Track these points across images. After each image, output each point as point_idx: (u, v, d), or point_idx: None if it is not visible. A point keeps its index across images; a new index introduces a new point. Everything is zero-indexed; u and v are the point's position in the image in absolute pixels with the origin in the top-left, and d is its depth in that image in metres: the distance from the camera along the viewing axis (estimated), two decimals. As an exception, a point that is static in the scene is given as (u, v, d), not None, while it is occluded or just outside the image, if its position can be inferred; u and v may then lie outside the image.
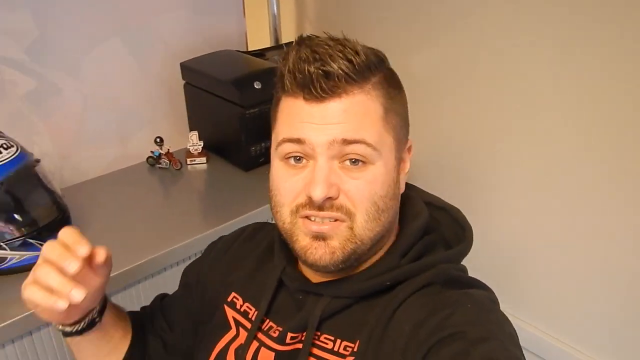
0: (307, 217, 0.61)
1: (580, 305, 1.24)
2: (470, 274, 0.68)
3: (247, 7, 1.69)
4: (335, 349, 0.63)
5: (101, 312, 0.73)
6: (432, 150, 1.43)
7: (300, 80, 0.58)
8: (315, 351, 0.64)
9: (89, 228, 1.20)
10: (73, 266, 0.59)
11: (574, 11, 1.07)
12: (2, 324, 0.94)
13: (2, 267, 1.03)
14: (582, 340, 1.26)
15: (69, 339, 0.73)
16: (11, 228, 1.02)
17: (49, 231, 1.06)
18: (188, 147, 1.49)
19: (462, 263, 0.69)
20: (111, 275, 1.04)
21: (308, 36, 0.61)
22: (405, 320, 0.60)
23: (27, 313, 0.96)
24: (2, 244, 1.01)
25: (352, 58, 0.58)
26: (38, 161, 1.10)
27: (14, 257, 1.03)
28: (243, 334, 0.71)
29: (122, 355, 0.78)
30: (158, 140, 1.45)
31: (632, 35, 1.01)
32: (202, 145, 1.48)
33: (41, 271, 0.60)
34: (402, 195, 0.69)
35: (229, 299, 0.75)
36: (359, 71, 0.59)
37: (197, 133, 1.48)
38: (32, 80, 1.32)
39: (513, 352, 0.55)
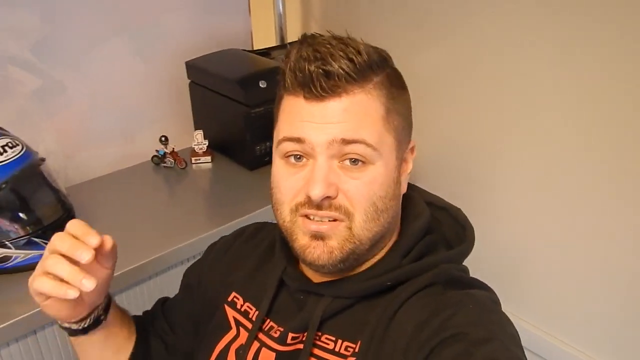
0: (307, 216, 0.61)
1: (581, 305, 1.24)
2: (473, 274, 0.68)
3: (252, 5, 1.68)
4: (337, 349, 0.63)
5: (106, 310, 0.73)
6: (435, 150, 1.43)
7: (300, 79, 0.59)
8: (316, 351, 0.64)
9: (94, 227, 1.19)
10: (85, 255, 0.59)
11: (575, 12, 1.07)
12: (7, 323, 0.93)
13: (7, 265, 1.03)
14: (583, 341, 1.26)
15: (74, 339, 0.73)
16: (16, 227, 1.02)
17: (54, 230, 1.04)
18: (193, 146, 1.48)
19: (464, 263, 0.69)
20: (116, 274, 1.04)
21: (312, 35, 0.61)
22: (406, 320, 0.60)
23: (31, 312, 0.96)
24: (7, 242, 1.01)
25: (354, 57, 0.58)
26: (43, 160, 1.10)
27: (19, 255, 1.03)
28: (243, 334, 0.71)
29: (127, 356, 0.78)
30: (163, 139, 1.45)
31: (633, 36, 1.00)
32: (207, 144, 1.48)
33: (51, 261, 0.60)
34: (404, 196, 0.69)
35: (229, 299, 0.75)
36: (360, 71, 0.58)
37: (202, 132, 1.48)
38: (37, 78, 1.32)
39: (515, 353, 0.55)
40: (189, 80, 1.52)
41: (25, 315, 0.95)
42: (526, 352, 0.58)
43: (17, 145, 1.04)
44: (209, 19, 1.60)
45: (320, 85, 0.57)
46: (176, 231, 1.19)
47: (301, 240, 0.62)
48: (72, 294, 0.58)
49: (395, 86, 0.63)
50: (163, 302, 0.88)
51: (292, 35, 1.68)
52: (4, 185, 0.99)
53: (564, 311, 1.28)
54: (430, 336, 0.56)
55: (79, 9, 1.34)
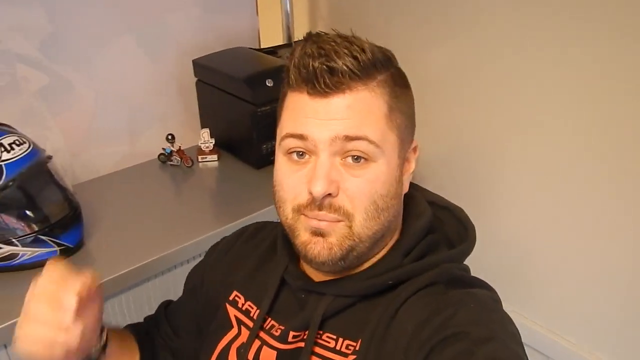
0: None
1: (583, 303, 1.25)
2: (478, 273, 0.68)
3: (259, 4, 1.68)
4: (338, 347, 0.63)
5: (104, 348, 0.70)
6: (439, 150, 1.44)
7: (304, 75, 0.59)
8: (318, 350, 0.64)
9: (100, 225, 1.21)
10: (70, 301, 0.58)
11: (579, 12, 1.07)
12: (13, 321, 0.93)
13: (14, 263, 1.03)
14: (585, 338, 1.27)
15: None
16: (23, 224, 1.03)
17: (61, 228, 1.07)
18: (199, 145, 1.48)
19: (468, 262, 0.68)
20: (122, 273, 1.05)
21: (317, 33, 0.61)
22: (407, 319, 0.60)
23: (38, 309, 0.96)
24: (14, 240, 1.02)
25: (358, 55, 0.58)
26: (50, 158, 1.10)
27: (26, 253, 1.03)
28: (245, 333, 0.71)
29: None
30: (169, 137, 1.45)
31: (633, 37, 1.01)
32: (213, 143, 1.48)
33: (36, 308, 0.58)
34: (406, 195, 0.68)
35: (230, 298, 0.75)
36: (364, 68, 0.59)
37: (208, 130, 1.48)
38: (44, 76, 1.32)
39: (515, 351, 0.55)
40: (196, 79, 1.52)
41: (32, 312, 0.95)
42: (529, 350, 0.58)
43: (24, 143, 1.05)
44: (216, 17, 1.60)
45: (324, 81, 0.57)
46: (182, 229, 1.19)
47: (302, 236, 0.62)
48: (63, 338, 0.57)
49: (398, 85, 0.63)
50: (166, 306, 0.88)
51: (300, 34, 1.66)
52: (11, 183, 0.99)
53: (567, 309, 1.28)
54: (431, 335, 0.56)
55: (85, 7, 1.34)
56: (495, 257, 1.35)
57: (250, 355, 0.68)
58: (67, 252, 1.09)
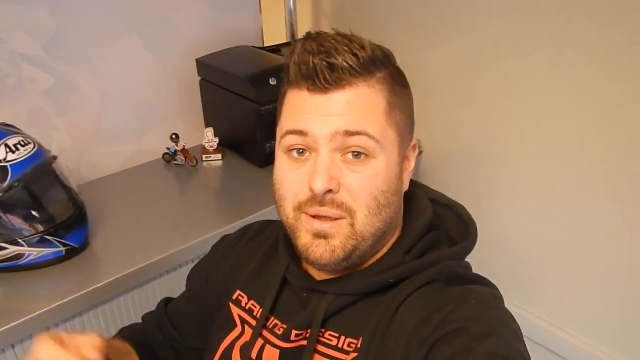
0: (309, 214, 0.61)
1: (587, 298, 1.26)
2: (481, 269, 0.68)
3: (262, 2, 1.68)
4: (339, 345, 0.63)
5: None
6: (442, 149, 1.45)
7: (304, 72, 0.59)
8: (320, 348, 0.64)
9: (105, 224, 1.21)
10: None
11: (584, 13, 1.08)
12: (21, 320, 0.94)
13: (20, 263, 1.04)
14: (589, 332, 1.28)
15: None
16: (29, 225, 1.03)
17: (66, 228, 1.07)
18: (203, 144, 1.49)
19: (471, 259, 0.68)
20: (126, 272, 1.06)
21: (317, 32, 0.61)
22: (408, 317, 0.60)
23: (45, 309, 0.97)
24: (20, 240, 1.02)
25: (358, 52, 0.58)
26: (55, 158, 1.10)
27: (32, 253, 1.04)
28: (248, 332, 0.71)
29: None
30: (174, 136, 1.46)
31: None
32: (217, 142, 1.48)
33: None
34: (407, 193, 0.68)
35: (233, 297, 0.75)
36: (364, 65, 0.59)
37: (212, 129, 1.48)
38: (49, 76, 1.33)
39: (516, 347, 0.55)
40: (200, 78, 1.52)
41: (39, 312, 0.96)
42: (532, 344, 0.58)
43: (29, 143, 1.05)
44: (220, 16, 1.60)
45: (324, 77, 0.58)
46: (187, 228, 1.19)
47: (304, 238, 0.62)
48: None
49: (398, 83, 0.63)
50: (166, 304, 0.88)
51: (303, 32, 1.65)
52: (16, 184, 1.00)
53: (569, 303, 1.30)
54: (432, 331, 0.56)
55: (90, 7, 1.34)
56: (497, 254, 1.37)
57: (253, 354, 0.68)
58: (72, 252, 1.09)
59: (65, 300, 0.99)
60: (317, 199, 0.59)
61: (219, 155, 1.49)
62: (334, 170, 0.59)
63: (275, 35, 1.71)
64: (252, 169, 1.44)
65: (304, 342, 0.65)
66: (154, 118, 1.54)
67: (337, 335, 0.64)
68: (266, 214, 1.25)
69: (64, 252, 1.07)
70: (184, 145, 1.48)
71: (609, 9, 1.04)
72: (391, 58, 0.64)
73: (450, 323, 0.56)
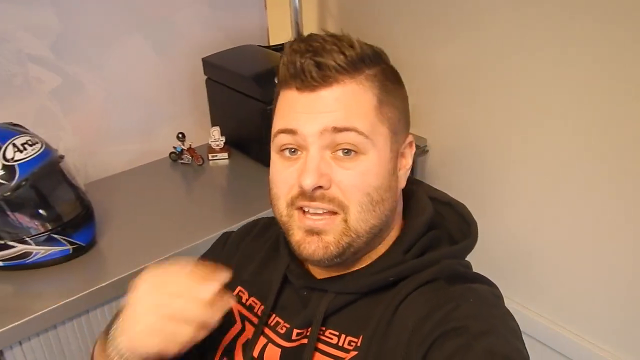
0: (302, 210, 0.62)
1: (589, 296, 1.26)
2: (483, 267, 0.68)
3: (268, 1, 1.68)
4: (340, 343, 0.63)
5: None
6: (450, 147, 1.44)
7: (292, 72, 0.60)
8: (320, 346, 0.64)
9: (112, 223, 1.22)
10: (210, 289, 0.57)
11: (586, 11, 1.07)
12: (28, 317, 0.95)
13: (28, 261, 1.05)
14: (591, 331, 1.28)
15: None
16: (36, 223, 1.04)
17: (73, 227, 1.08)
18: (210, 143, 1.49)
19: (474, 257, 0.68)
20: (133, 271, 1.06)
21: (309, 34, 0.62)
22: (408, 315, 0.60)
23: (52, 307, 0.97)
24: (27, 238, 1.03)
25: (346, 50, 0.59)
26: (62, 157, 1.11)
27: (39, 251, 1.05)
28: (249, 328, 0.71)
29: None
30: (180, 136, 1.46)
31: None
32: (223, 141, 1.48)
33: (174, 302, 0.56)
34: (407, 191, 0.69)
35: (234, 293, 0.75)
36: (352, 62, 0.59)
37: (219, 129, 1.48)
38: (56, 76, 1.33)
39: (515, 346, 0.55)
40: (206, 77, 1.52)
41: (46, 310, 0.97)
42: (534, 342, 0.58)
43: (37, 143, 1.06)
44: (226, 15, 1.60)
45: (311, 75, 0.58)
46: (193, 227, 1.20)
47: (297, 235, 0.63)
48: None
49: (389, 80, 0.63)
50: None
51: (309, 30, 1.67)
52: (24, 183, 1.01)
53: (571, 302, 1.30)
54: (432, 330, 0.56)
55: (96, 7, 1.35)
56: (500, 250, 1.37)
57: (255, 353, 0.68)
58: (79, 251, 1.10)
59: (72, 298, 0.99)
60: (307, 195, 0.60)
61: (225, 154, 1.49)
62: (323, 167, 0.60)
63: (281, 34, 1.71)
64: (258, 168, 1.44)
65: (305, 341, 0.65)
66: (160, 117, 1.55)
67: (337, 333, 0.64)
68: (272, 213, 1.24)
69: (71, 251, 1.08)
70: (190, 145, 1.48)
71: (611, 7, 1.04)
72: (383, 56, 0.64)
73: (451, 321, 0.56)
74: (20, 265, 1.05)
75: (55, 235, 1.05)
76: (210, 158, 1.49)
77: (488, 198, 1.39)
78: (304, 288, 0.68)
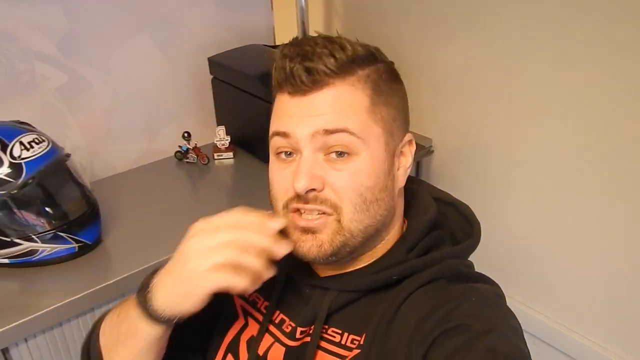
0: (298, 211, 0.62)
1: (594, 296, 1.27)
2: (488, 266, 0.68)
3: (274, 0, 1.68)
4: (343, 342, 0.63)
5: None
6: (455, 146, 1.44)
7: (283, 77, 0.61)
8: (323, 344, 0.64)
9: (118, 222, 1.22)
10: (276, 225, 0.58)
11: (593, 13, 1.07)
12: (34, 315, 0.96)
13: (34, 259, 1.05)
14: (595, 331, 1.28)
15: (160, 331, 0.63)
16: (42, 221, 1.05)
17: (79, 225, 1.09)
18: (215, 142, 1.49)
19: (478, 256, 0.68)
20: (137, 271, 1.06)
21: (302, 37, 0.63)
22: (410, 314, 0.60)
23: (58, 304, 0.98)
24: (33, 236, 1.04)
25: (336, 53, 0.60)
26: (69, 156, 1.12)
27: (45, 249, 1.05)
28: (252, 324, 0.71)
29: None
30: (186, 135, 1.46)
31: None
32: (229, 140, 1.49)
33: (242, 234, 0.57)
34: (411, 191, 0.70)
35: None
36: (342, 65, 0.60)
37: (224, 128, 1.48)
38: (63, 74, 1.34)
39: (516, 344, 0.55)
40: (212, 76, 1.53)
41: (52, 307, 0.97)
42: (538, 342, 0.58)
43: (44, 141, 1.06)
44: (232, 14, 1.60)
45: (301, 79, 0.59)
46: (198, 226, 1.19)
47: (293, 235, 0.63)
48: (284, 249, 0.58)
49: (384, 80, 0.64)
50: None
51: (315, 29, 1.67)
52: (30, 181, 1.01)
53: (575, 302, 1.30)
54: (433, 328, 0.57)
55: (103, 6, 1.35)
56: (504, 249, 1.37)
57: (261, 351, 0.68)
58: (85, 249, 1.10)
59: (77, 296, 1.00)
60: (301, 197, 0.61)
61: (230, 154, 1.50)
62: (316, 169, 0.60)
63: (287, 33, 1.71)
64: (263, 168, 1.44)
65: (308, 339, 0.65)
66: (166, 116, 1.55)
67: (340, 332, 0.64)
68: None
69: (76, 249, 1.09)
70: (195, 144, 1.49)
71: (612, 7, 1.04)
72: (377, 55, 0.64)
73: (452, 320, 0.56)
74: (27, 263, 1.06)
75: (61, 233, 1.06)
76: (215, 157, 1.50)
77: (493, 197, 1.39)
78: (307, 285, 0.68)
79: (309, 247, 0.62)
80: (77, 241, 1.08)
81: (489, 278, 0.66)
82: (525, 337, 0.59)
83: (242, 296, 0.74)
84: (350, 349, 0.62)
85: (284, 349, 0.67)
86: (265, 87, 1.35)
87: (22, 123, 1.11)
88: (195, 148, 1.49)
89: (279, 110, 0.63)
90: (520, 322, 0.61)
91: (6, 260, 1.05)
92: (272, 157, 0.66)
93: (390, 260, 0.65)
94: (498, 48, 1.26)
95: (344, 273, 0.66)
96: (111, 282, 1.03)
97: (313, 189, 0.60)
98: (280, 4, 1.69)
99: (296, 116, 0.61)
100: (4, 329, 0.93)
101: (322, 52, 0.59)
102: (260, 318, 0.71)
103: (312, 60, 0.59)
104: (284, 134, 0.62)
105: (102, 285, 1.02)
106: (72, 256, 1.09)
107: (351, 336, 0.63)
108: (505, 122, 1.30)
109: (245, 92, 1.41)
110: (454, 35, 1.34)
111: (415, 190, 0.71)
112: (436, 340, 0.55)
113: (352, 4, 1.58)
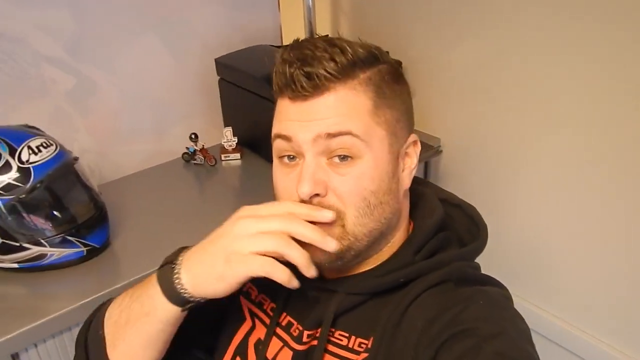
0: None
1: (604, 297, 1.26)
2: (497, 266, 0.67)
3: (282, 1, 1.67)
4: (350, 345, 0.63)
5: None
6: (464, 146, 1.44)
7: (283, 82, 0.60)
8: (331, 347, 0.64)
9: (125, 225, 1.22)
10: (327, 215, 0.58)
11: (598, 13, 1.07)
12: (43, 320, 0.96)
13: (42, 263, 1.06)
14: (606, 332, 1.28)
15: (176, 315, 0.62)
16: (51, 225, 1.05)
17: (87, 228, 1.09)
18: (222, 143, 1.49)
19: (486, 257, 0.68)
20: (148, 272, 1.06)
21: (303, 39, 0.62)
22: (417, 316, 0.60)
23: (67, 309, 0.98)
24: (42, 240, 1.04)
25: (336, 57, 0.59)
26: (77, 159, 1.12)
27: (54, 253, 1.05)
28: (259, 326, 0.71)
29: None
30: (193, 136, 1.46)
31: None
32: (236, 141, 1.48)
33: (294, 223, 0.57)
34: (417, 192, 0.69)
35: (244, 289, 0.75)
36: (343, 69, 0.59)
37: (231, 129, 1.48)
38: (71, 77, 1.34)
39: (524, 348, 0.54)
40: (219, 77, 1.52)
41: (61, 312, 0.97)
42: (548, 343, 0.57)
43: (52, 145, 1.06)
44: (239, 15, 1.60)
45: (301, 85, 0.58)
46: (206, 228, 1.18)
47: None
48: (333, 245, 0.57)
49: (387, 81, 0.63)
50: None
51: (322, 30, 1.66)
52: (39, 185, 1.01)
53: (586, 302, 1.30)
54: (441, 331, 0.56)
55: (109, 8, 1.35)
56: (515, 251, 1.37)
57: (270, 355, 0.68)
58: (93, 252, 1.10)
59: (86, 300, 1.00)
60: (306, 202, 0.60)
61: (237, 155, 1.49)
62: (319, 174, 0.60)
63: (294, 33, 1.70)
64: (270, 169, 1.43)
65: (315, 342, 0.65)
66: (173, 118, 1.55)
67: (347, 335, 0.64)
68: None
69: (85, 253, 1.09)
70: (203, 145, 1.49)
71: (612, 7, 1.03)
72: (379, 57, 0.63)
73: (460, 323, 0.56)
74: (35, 267, 1.06)
75: (70, 237, 1.06)
76: (222, 158, 1.49)
77: (502, 197, 1.38)
78: (314, 288, 0.68)
79: (314, 251, 0.60)
80: (85, 245, 1.08)
81: (497, 280, 0.66)
82: (536, 337, 0.59)
83: (248, 297, 0.74)
84: (358, 353, 0.62)
85: (291, 352, 0.66)
86: (271, 87, 1.34)
87: (30, 127, 1.11)
88: (202, 149, 1.48)
89: (280, 114, 0.63)
90: (530, 323, 0.60)
91: (15, 265, 1.05)
92: (275, 161, 0.65)
93: (397, 262, 0.65)
94: (507, 48, 1.25)
95: (350, 275, 0.66)
96: (120, 285, 1.03)
97: (317, 194, 0.60)
98: (287, 4, 1.68)
99: (298, 121, 0.60)
100: (14, 334, 0.93)
101: (322, 56, 0.58)
102: (267, 320, 0.71)
103: (312, 65, 0.58)
104: (285, 137, 0.61)
105: (111, 289, 1.02)
106: (80, 260, 1.09)
107: (358, 339, 0.63)
108: (514, 122, 1.30)
109: (253, 93, 1.41)
110: (463, 35, 1.33)
111: (421, 191, 0.70)
112: (444, 343, 0.55)
113: (359, 3, 1.57)
